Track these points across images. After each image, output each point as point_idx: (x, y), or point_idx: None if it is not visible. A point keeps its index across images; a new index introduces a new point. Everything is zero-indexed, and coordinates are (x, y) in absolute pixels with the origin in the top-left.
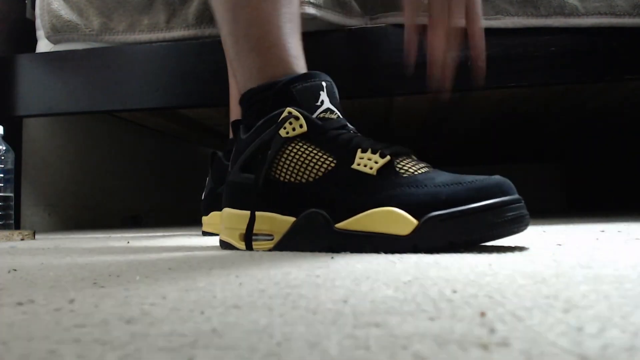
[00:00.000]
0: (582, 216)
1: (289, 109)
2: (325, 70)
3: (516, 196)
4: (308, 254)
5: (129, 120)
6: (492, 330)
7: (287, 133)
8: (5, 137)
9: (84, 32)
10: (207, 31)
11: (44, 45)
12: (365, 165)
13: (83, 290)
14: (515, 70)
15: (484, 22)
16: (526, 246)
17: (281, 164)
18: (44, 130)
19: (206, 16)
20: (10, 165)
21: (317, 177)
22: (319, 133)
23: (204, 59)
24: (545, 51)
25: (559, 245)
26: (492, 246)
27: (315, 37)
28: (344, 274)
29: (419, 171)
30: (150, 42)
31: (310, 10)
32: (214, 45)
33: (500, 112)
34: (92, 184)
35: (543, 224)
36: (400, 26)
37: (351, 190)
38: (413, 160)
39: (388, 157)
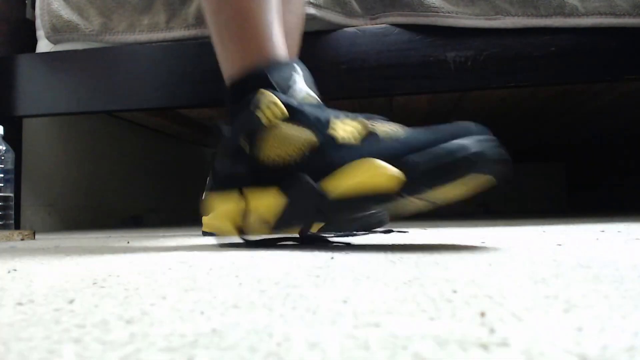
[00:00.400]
0: (582, 216)
1: (267, 92)
2: (326, 70)
3: (492, 136)
4: (308, 253)
5: (129, 120)
6: (492, 330)
7: (267, 116)
8: (5, 137)
9: (84, 32)
10: (207, 31)
11: (44, 45)
12: (349, 134)
13: (83, 290)
14: (515, 70)
15: (484, 22)
16: (526, 246)
17: (267, 145)
18: (44, 130)
19: None
20: (10, 165)
21: (303, 154)
22: (297, 112)
23: (204, 59)
24: (545, 51)
25: (559, 245)
26: (492, 246)
27: (315, 37)
28: (344, 274)
29: (398, 132)
30: (150, 42)
31: (310, 10)
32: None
33: (500, 112)
34: (92, 184)
35: (543, 224)
36: (400, 26)
37: (336, 155)
38: (387, 122)
39: (370, 126)
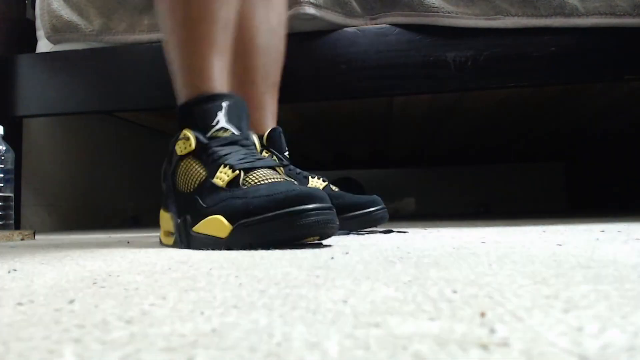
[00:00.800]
0: (582, 216)
1: (184, 130)
2: (326, 70)
3: (315, 205)
4: (308, 253)
5: (129, 120)
6: (492, 330)
7: (181, 151)
8: (5, 137)
9: (84, 32)
10: None
11: (44, 45)
12: (220, 179)
13: (83, 290)
14: (515, 70)
15: (484, 22)
16: (526, 246)
17: (178, 176)
18: (44, 130)
19: None
20: (10, 165)
21: (194, 187)
22: (203, 150)
23: None
24: (545, 51)
25: (559, 245)
26: (492, 246)
27: (315, 37)
28: (344, 274)
29: (260, 183)
30: (150, 42)
31: (310, 10)
32: None
33: (500, 112)
34: (92, 184)
35: (543, 224)
36: (400, 26)
37: (207, 199)
38: (271, 172)
39: (236, 172)
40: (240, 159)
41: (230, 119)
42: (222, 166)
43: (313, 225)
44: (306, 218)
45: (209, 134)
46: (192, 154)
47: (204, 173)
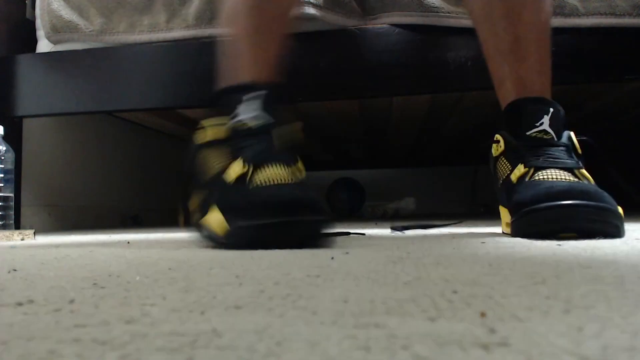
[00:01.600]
0: None
1: (202, 121)
2: (326, 70)
3: (312, 215)
4: (308, 253)
5: (129, 120)
6: (492, 330)
7: (200, 138)
8: (5, 137)
9: (84, 32)
10: (207, 31)
11: (44, 45)
12: (231, 174)
13: (83, 290)
14: None
15: None
16: (526, 246)
17: (198, 161)
18: (44, 130)
19: (206, 16)
20: (10, 165)
21: (211, 177)
22: (222, 141)
23: (204, 59)
24: None
25: (559, 245)
26: (492, 246)
27: (315, 37)
28: (344, 274)
29: (265, 184)
30: (150, 42)
31: (310, 10)
32: (214, 46)
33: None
34: (92, 184)
35: None
36: (400, 26)
37: (215, 193)
38: (282, 171)
39: (245, 168)
40: (254, 155)
41: (251, 110)
42: (234, 160)
43: (309, 235)
44: (302, 227)
45: (228, 125)
46: (212, 144)
47: (217, 166)
